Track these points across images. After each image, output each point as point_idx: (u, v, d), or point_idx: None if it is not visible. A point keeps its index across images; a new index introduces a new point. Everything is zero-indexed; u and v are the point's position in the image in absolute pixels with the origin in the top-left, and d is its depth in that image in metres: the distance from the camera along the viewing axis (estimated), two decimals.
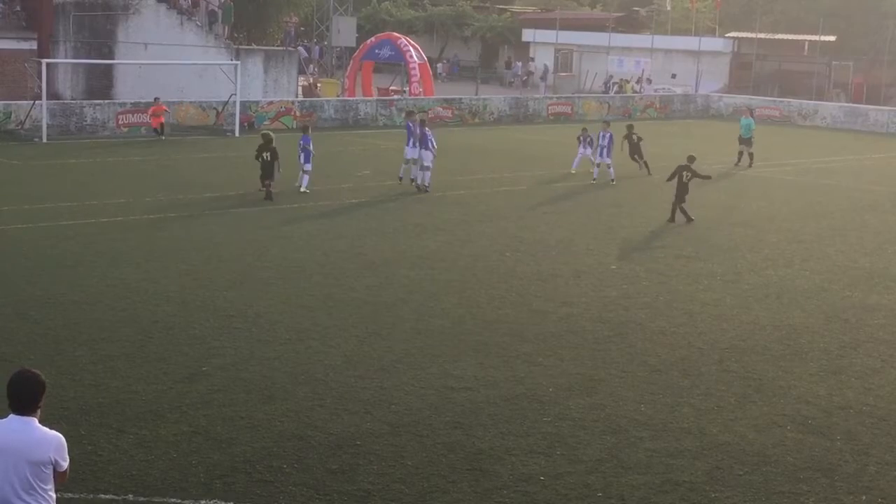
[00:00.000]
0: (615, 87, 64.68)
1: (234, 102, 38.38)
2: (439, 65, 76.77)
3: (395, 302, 16.12)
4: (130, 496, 9.35)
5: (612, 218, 24.52)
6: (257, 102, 41.51)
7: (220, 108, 39.28)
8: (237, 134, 37.27)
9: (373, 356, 13.48)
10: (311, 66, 61.75)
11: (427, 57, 53.60)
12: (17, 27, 42.41)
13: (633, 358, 13.91)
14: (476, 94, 52.66)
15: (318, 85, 52.25)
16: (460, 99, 48.84)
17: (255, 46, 51.06)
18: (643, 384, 12.87)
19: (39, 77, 35.61)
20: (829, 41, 65.69)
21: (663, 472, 10.33)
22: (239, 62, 41.49)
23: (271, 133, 26.29)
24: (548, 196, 27.59)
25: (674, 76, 66.79)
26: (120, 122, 36.92)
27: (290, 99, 44.75)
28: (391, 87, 54.00)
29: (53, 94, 39.94)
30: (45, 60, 37.05)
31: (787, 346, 14.83)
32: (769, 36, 67.85)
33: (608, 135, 29.99)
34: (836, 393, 12.93)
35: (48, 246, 18.95)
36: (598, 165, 30.29)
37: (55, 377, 11.62)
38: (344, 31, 54.64)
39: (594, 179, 30.14)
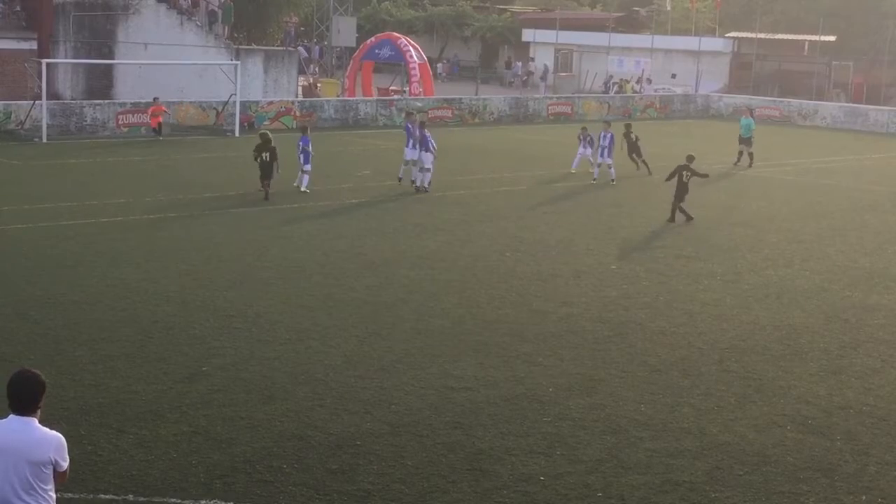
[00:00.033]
0: (615, 87, 64.68)
1: (234, 102, 38.37)
2: (439, 65, 76.77)
3: (395, 302, 16.12)
4: (130, 496, 9.35)
5: (612, 218, 24.52)
6: (257, 102, 41.51)
7: (220, 108, 39.28)
8: (237, 134, 37.27)
9: (373, 356, 13.48)
10: (312, 66, 61.75)
11: (427, 57, 53.61)
12: (17, 27, 42.42)
13: (633, 358, 13.91)
14: (476, 94, 52.66)
15: (318, 85, 52.26)
16: (460, 99, 48.84)
17: (255, 46, 51.06)
18: (643, 384, 12.87)
19: (39, 77, 35.62)
20: (829, 41, 65.70)
21: (663, 472, 10.33)
22: (239, 62, 41.49)
23: (269, 133, 26.33)
24: (548, 196, 27.59)
25: (674, 76, 66.79)
26: (120, 122, 36.93)
27: (290, 99, 44.75)
28: (391, 87, 54.00)
29: (53, 94, 39.94)
30: (45, 60, 37.07)
31: (787, 346, 14.83)
32: (769, 36, 67.85)
33: (609, 135, 29.99)
34: (836, 393, 12.93)
35: (48, 246, 18.95)
36: (599, 166, 30.28)
37: (55, 377, 11.62)
38: (344, 31, 54.64)
39: (594, 179, 30.14)
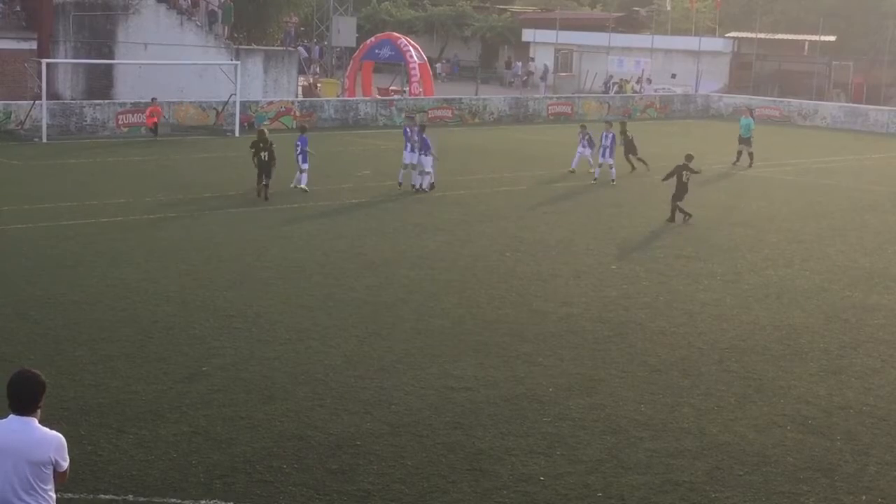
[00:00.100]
0: (615, 87, 64.67)
1: (234, 102, 38.37)
2: (439, 65, 76.77)
3: (395, 302, 16.12)
4: (130, 496, 9.35)
5: (612, 218, 24.52)
6: (257, 102, 41.50)
7: (220, 108, 39.28)
8: (237, 134, 37.25)
9: (373, 356, 13.48)
10: (314, 66, 61.75)
11: (427, 57, 53.60)
12: (17, 27, 42.41)
13: (633, 358, 13.91)
14: (476, 94, 52.65)
15: (319, 85, 52.25)
16: (460, 99, 48.83)
17: (255, 46, 51.03)
18: (643, 384, 12.87)
19: (39, 77, 35.62)
20: (829, 41, 65.69)
21: (663, 472, 10.33)
22: (239, 62, 41.47)
23: (266, 130, 26.41)
24: (548, 196, 27.59)
25: (674, 76, 66.78)
26: (120, 122, 36.93)
27: (290, 99, 44.75)
28: (391, 87, 54.00)
29: (53, 94, 39.94)
30: (45, 60, 37.05)
31: (787, 346, 14.83)
32: (769, 36, 67.84)
33: (611, 135, 30.00)
34: (836, 393, 12.93)
35: (48, 246, 18.95)
36: (601, 166, 30.27)
37: (55, 377, 11.62)
38: (344, 31, 54.63)
39: (595, 179, 30.14)
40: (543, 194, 27.81)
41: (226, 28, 48.62)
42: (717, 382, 13.09)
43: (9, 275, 16.79)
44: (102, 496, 9.33)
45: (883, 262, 20.76)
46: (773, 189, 30.46)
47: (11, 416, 6.33)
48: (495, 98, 51.19)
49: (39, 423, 6.36)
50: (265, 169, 24.90)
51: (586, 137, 30.99)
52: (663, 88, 63.58)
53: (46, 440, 6.32)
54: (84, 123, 36.25)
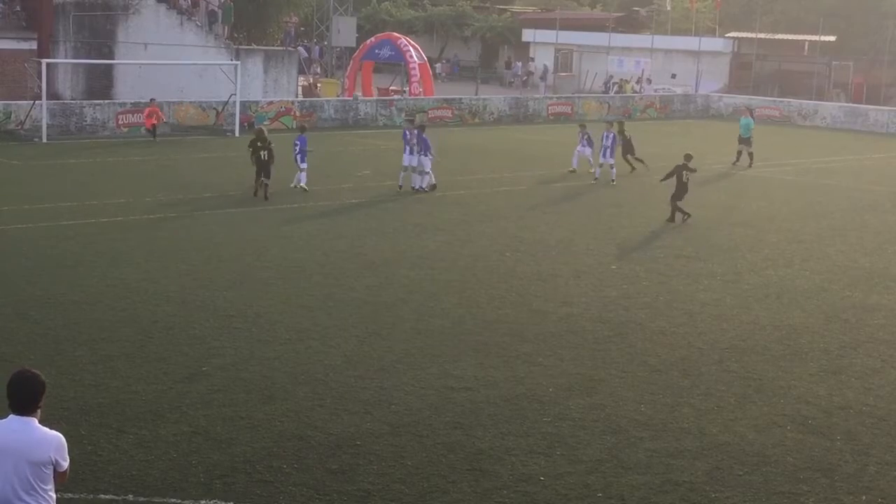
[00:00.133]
0: (615, 88, 64.67)
1: (234, 102, 38.38)
2: (439, 65, 76.76)
3: (395, 302, 16.12)
4: (130, 496, 9.35)
5: (612, 218, 24.52)
6: (257, 102, 41.51)
7: (220, 108, 39.28)
8: (237, 134, 37.23)
9: (373, 356, 13.48)
10: (315, 65, 61.74)
11: (427, 57, 53.59)
12: (17, 27, 42.41)
13: (633, 358, 13.91)
14: (476, 94, 52.65)
15: (318, 85, 52.25)
16: (460, 99, 48.83)
17: (255, 46, 51.04)
18: (643, 384, 12.87)
19: (39, 77, 35.61)
20: (829, 41, 65.69)
21: (663, 472, 10.33)
22: (239, 62, 41.48)
23: (265, 129, 26.42)
24: (548, 196, 27.60)
25: (674, 76, 66.78)
26: (120, 122, 36.93)
27: (290, 99, 44.76)
28: (391, 87, 54.00)
29: (53, 94, 39.94)
30: (45, 60, 37.05)
31: (787, 346, 14.83)
32: (769, 36, 67.84)
33: (612, 135, 29.99)
34: (836, 393, 12.93)
35: (48, 246, 18.95)
36: (601, 166, 30.26)
37: (55, 377, 11.63)
38: (344, 31, 54.63)
39: (595, 179, 30.14)
40: (543, 194, 27.81)
41: (226, 28, 48.63)
42: (717, 382, 13.09)
43: (9, 275, 16.79)
44: (102, 496, 9.33)
45: (883, 262, 20.77)
46: (773, 189, 30.47)
47: (11, 416, 6.33)
48: (495, 98, 51.20)
49: (39, 423, 6.36)
50: (264, 168, 24.91)
51: (586, 137, 30.99)
52: (663, 88, 63.57)
53: (46, 440, 6.32)
54: (84, 123, 36.25)
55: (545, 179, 30.50)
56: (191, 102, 39.60)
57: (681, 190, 24.02)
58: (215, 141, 36.31)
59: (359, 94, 47.30)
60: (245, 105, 39.61)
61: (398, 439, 10.83)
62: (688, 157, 24.36)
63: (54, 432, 6.38)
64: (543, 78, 71.02)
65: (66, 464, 6.41)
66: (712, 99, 58.72)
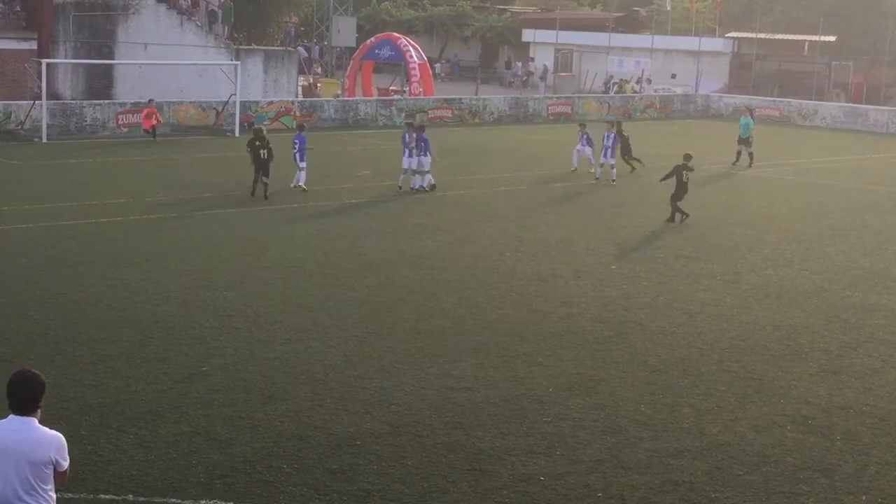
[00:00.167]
0: (615, 88, 64.67)
1: (234, 102, 38.38)
2: (439, 65, 76.77)
3: (395, 302, 16.12)
4: (130, 496, 9.35)
5: (612, 218, 24.52)
6: (257, 102, 41.51)
7: (220, 109, 39.28)
8: (237, 134, 37.23)
9: (373, 356, 13.48)
10: (315, 66, 61.74)
11: (427, 57, 53.60)
12: (17, 27, 42.41)
13: (633, 358, 13.91)
14: (476, 94, 52.66)
15: (318, 85, 52.25)
16: (460, 99, 48.83)
17: (255, 46, 51.06)
18: (643, 384, 12.87)
19: (39, 77, 35.62)
20: (829, 41, 65.70)
21: (663, 472, 10.33)
22: (239, 62, 41.48)
23: (264, 129, 26.43)
24: (548, 196, 27.60)
25: (674, 76, 66.78)
26: (120, 122, 36.93)
27: (290, 99, 44.76)
28: (391, 87, 54.00)
29: (53, 94, 39.94)
30: (45, 60, 37.06)
31: (787, 346, 14.83)
32: (769, 36, 67.85)
33: (612, 135, 29.98)
34: (836, 393, 12.93)
35: (48, 246, 18.95)
36: (602, 166, 30.25)
37: (55, 377, 11.63)
38: (344, 31, 54.64)
39: (596, 179, 30.14)
40: (543, 194, 27.81)
41: (226, 28, 48.63)
42: (717, 382, 13.09)
43: (9, 275, 16.79)
44: (102, 496, 9.33)
45: (883, 262, 20.77)
46: (773, 189, 30.47)
47: (11, 417, 6.33)
48: (495, 98, 51.20)
49: (39, 422, 6.36)
50: (263, 167, 24.90)
51: (585, 136, 30.99)
52: (663, 88, 63.58)
53: (46, 440, 6.32)
54: (84, 123, 36.25)
55: (545, 179, 30.50)
56: (191, 102, 39.60)
57: (681, 190, 24.02)
58: (215, 141, 36.31)
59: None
60: (245, 105, 39.62)
61: (398, 439, 10.83)
62: (687, 157, 24.36)
63: (54, 432, 6.38)
64: (543, 78, 71.03)
65: (66, 464, 6.41)
66: (712, 99, 58.72)
